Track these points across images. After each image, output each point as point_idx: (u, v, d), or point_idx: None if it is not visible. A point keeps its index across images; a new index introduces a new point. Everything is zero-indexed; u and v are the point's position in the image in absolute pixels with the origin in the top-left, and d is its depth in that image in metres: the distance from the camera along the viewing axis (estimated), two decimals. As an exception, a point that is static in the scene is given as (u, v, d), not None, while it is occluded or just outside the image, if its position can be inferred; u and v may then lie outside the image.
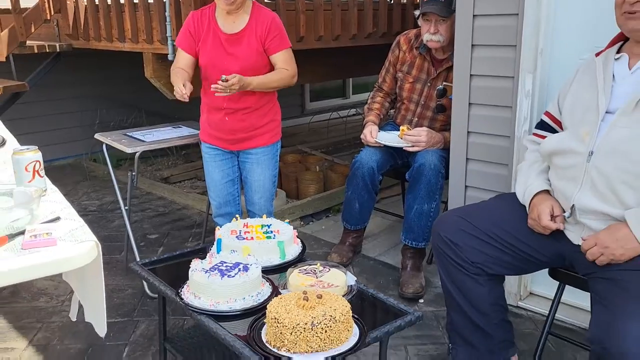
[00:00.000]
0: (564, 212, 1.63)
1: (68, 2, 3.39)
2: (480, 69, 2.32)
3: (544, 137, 1.78)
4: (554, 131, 1.78)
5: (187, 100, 2.17)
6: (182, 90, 2.16)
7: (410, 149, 2.63)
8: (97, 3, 3.25)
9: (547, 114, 1.83)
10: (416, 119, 2.85)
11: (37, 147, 1.39)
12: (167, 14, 2.78)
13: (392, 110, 3.06)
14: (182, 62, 2.33)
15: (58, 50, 3.55)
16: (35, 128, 4.61)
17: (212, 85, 2.13)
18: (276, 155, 2.50)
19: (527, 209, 1.71)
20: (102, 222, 3.47)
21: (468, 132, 2.41)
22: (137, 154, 2.59)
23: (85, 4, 3.34)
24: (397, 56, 2.88)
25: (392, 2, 3.56)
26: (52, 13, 3.44)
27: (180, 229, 3.41)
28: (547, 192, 1.69)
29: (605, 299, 1.46)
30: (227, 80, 2.12)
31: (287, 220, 2.07)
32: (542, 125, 1.84)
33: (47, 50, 3.51)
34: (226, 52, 2.28)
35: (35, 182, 1.35)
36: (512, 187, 2.21)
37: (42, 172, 1.38)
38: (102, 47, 3.34)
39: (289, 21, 2.97)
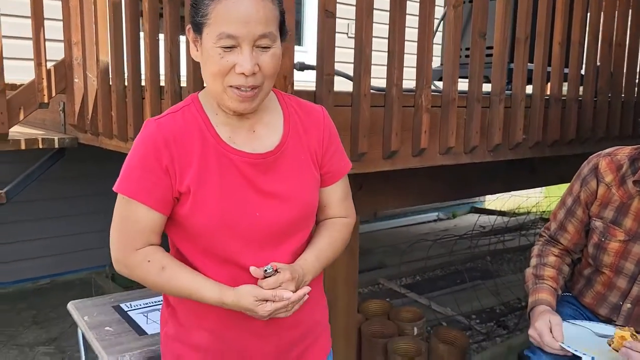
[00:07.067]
0: None
1: (76, 79, 2.36)
2: None
3: None
4: None
5: None
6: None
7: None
8: (110, 85, 2.19)
9: None
10: (629, 305, 1.63)
11: None
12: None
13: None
14: (148, 230, 1.09)
15: (57, 146, 2.48)
16: (36, 234, 3.56)
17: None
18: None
19: None
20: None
21: None
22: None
23: (96, 85, 2.28)
24: (594, 191, 1.66)
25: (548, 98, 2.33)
26: (54, 94, 2.42)
27: None
28: None
29: None
30: (276, 271, 1.05)
31: None
32: None
33: (41, 147, 2.44)
34: (257, 191, 1.10)
35: None
36: None
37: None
38: (114, 147, 2.25)
39: (404, 125, 1.80)
